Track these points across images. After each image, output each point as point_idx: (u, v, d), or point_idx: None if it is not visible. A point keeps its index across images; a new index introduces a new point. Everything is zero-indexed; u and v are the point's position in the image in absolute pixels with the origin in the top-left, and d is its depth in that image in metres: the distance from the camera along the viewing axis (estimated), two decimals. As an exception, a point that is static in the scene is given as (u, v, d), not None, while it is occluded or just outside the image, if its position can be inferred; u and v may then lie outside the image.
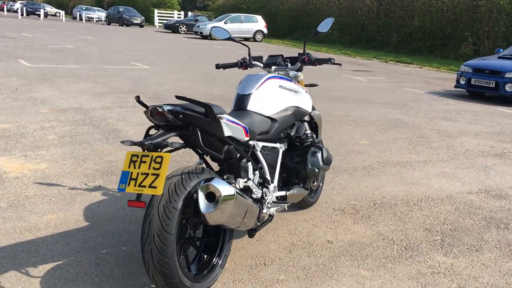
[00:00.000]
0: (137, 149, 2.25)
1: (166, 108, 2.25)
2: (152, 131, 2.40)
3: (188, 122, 2.29)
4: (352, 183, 4.43)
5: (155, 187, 2.13)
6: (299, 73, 3.33)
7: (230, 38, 3.36)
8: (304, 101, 3.21)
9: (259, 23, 28.63)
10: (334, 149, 5.49)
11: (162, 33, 31.10)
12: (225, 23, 27.46)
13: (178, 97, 2.31)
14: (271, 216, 2.97)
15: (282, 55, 3.37)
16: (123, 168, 2.23)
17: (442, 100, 9.97)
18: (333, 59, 3.22)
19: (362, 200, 4.03)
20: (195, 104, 2.30)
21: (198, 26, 28.03)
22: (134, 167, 2.20)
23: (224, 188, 2.28)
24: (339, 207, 3.85)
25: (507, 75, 9.74)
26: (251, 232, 2.80)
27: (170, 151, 2.33)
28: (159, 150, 2.21)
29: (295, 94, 3.11)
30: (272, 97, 2.96)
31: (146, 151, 2.22)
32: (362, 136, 6.33)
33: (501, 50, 11.47)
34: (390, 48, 23.69)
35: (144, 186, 2.15)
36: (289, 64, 3.33)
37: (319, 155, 3.08)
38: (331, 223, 3.52)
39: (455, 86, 10.88)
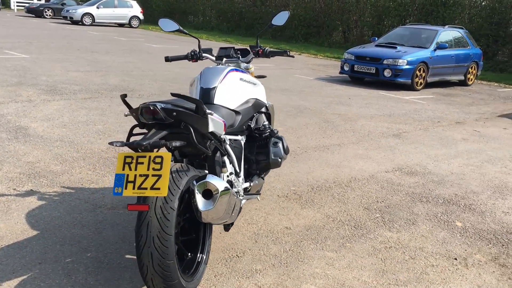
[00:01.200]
0: (125, 150, 2.15)
1: (159, 106, 2.17)
2: (136, 130, 2.30)
3: (179, 120, 2.24)
4: (284, 169, 4.61)
5: (158, 189, 2.05)
6: (250, 65, 3.38)
7: (179, 30, 3.29)
8: (262, 92, 3.27)
9: (134, 9, 27.59)
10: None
11: (24, 17, 28.51)
12: (97, 7, 26.03)
13: (173, 94, 2.24)
14: (241, 208, 3.01)
15: (233, 47, 3.39)
16: (117, 170, 2.12)
17: (331, 86, 10.64)
18: (288, 51, 3.32)
19: (300, 185, 4.23)
20: (188, 100, 2.25)
21: (68, 11, 26.18)
22: (130, 169, 2.10)
23: (220, 184, 2.27)
24: (282, 193, 4.00)
25: (385, 61, 10.70)
26: (228, 226, 2.81)
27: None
28: (156, 150, 2.13)
29: (254, 86, 3.16)
30: (235, 90, 2.97)
31: (139, 151, 2.13)
32: (275, 122, 6.55)
33: (376, 38, 12.52)
34: (268, 36, 24.45)
35: (145, 188, 2.06)
36: (240, 57, 3.35)
37: (280, 145, 3.18)
38: (282, 210, 3.66)
39: (340, 72, 11.66)
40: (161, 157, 2.10)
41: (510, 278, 2.92)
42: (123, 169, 2.11)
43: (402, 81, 10.72)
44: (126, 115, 2.41)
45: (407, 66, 10.64)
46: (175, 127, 2.27)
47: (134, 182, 2.08)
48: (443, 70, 11.64)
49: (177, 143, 2.19)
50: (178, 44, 18.50)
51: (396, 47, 11.26)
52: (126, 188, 2.09)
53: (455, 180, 4.71)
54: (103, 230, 3.09)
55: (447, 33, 11.99)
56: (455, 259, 3.10)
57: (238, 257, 2.90)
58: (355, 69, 11.17)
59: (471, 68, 12.61)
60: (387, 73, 10.70)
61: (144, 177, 2.08)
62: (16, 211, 3.24)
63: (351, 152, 5.43)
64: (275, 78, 10.81)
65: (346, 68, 11.40)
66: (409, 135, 6.52)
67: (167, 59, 3.35)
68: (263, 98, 3.28)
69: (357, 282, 2.73)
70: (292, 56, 3.53)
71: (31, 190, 3.61)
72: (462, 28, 12.86)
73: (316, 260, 2.94)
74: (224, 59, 3.30)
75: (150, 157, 2.11)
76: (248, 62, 3.38)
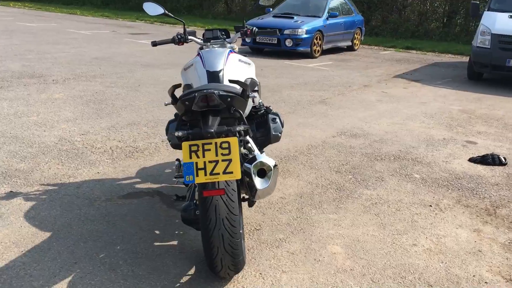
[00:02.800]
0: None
1: (217, 92, 2.23)
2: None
3: (231, 105, 2.32)
4: (245, 143, 4.78)
5: (231, 172, 2.15)
6: (235, 46, 3.46)
7: (164, 14, 3.26)
8: (254, 71, 3.38)
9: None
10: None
11: None
12: None
13: (231, 81, 2.30)
14: None
15: (219, 29, 3.44)
16: (184, 159, 2.16)
17: (237, 58, 10.81)
18: (277, 30, 3.45)
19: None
20: (242, 86, 2.33)
21: None
22: (198, 157, 2.16)
23: (271, 162, 2.41)
24: (258, 166, 4.19)
25: (286, 32, 11.14)
26: (252, 203, 2.96)
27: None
28: (223, 135, 2.21)
29: (249, 66, 3.27)
30: (237, 71, 3.07)
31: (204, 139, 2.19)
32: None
33: (270, 9, 12.90)
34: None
35: (218, 173, 2.14)
36: (226, 38, 3.42)
37: (278, 120, 3.35)
38: (267, 182, 3.85)
39: (242, 44, 11.88)
40: (228, 142, 2.18)
41: (477, 215, 3.47)
42: (191, 158, 2.16)
43: (302, 50, 11.29)
44: (166, 105, 2.42)
45: (306, 35, 11.21)
46: (224, 112, 2.34)
47: (204, 168, 2.15)
48: (335, 37, 12.45)
49: (241, 127, 2.28)
50: (54, 21, 17.22)
51: (293, 17, 11.76)
52: (197, 176, 2.15)
53: (392, 138, 5.27)
54: (115, 222, 3.04)
55: (335, 2, 12.77)
56: (430, 206, 3.59)
57: (257, 230, 3.07)
58: (257, 40, 11.46)
59: (357, 34, 13.64)
60: (288, 42, 11.16)
61: (214, 163, 2.15)
62: (11, 215, 3.04)
63: (293, 121, 5.75)
64: (182, 54, 10.71)
65: (248, 40, 11.64)
66: (332, 100, 7.03)
67: (154, 44, 3.32)
68: (255, 76, 3.41)
69: (368, 236, 3.07)
70: (279, 36, 3.66)
71: (11, 191, 3.37)
72: (346, -4, 13.76)
73: (325, 223, 3.22)
74: (212, 40, 3.35)
75: (216, 143, 2.18)
76: (232, 43, 3.46)
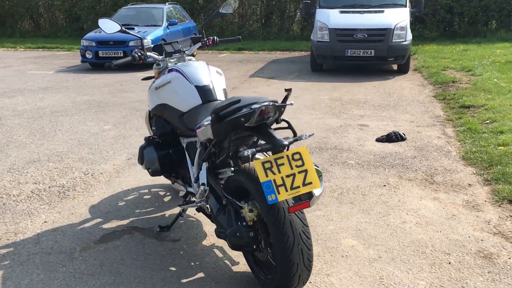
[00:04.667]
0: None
1: (272, 104, 2.14)
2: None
3: (281, 115, 2.24)
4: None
5: (310, 183, 2.07)
6: (193, 59, 3.27)
7: (121, 31, 2.96)
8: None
9: None
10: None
11: None
12: None
13: (287, 90, 2.19)
14: None
15: (177, 41, 3.22)
16: (261, 179, 2.02)
17: (86, 77, 10.01)
18: (239, 37, 3.35)
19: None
20: (287, 97, 2.25)
21: None
22: (273, 173, 2.04)
23: (318, 167, 2.38)
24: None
25: (131, 43, 10.73)
26: None
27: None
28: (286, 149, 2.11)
29: (221, 76, 3.13)
30: (219, 83, 2.94)
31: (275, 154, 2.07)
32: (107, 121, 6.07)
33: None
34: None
35: (298, 187, 2.05)
36: (186, 51, 3.23)
37: None
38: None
39: (82, 61, 11.06)
40: (299, 153, 2.09)
41: (424, 186, 3.89)
42: (267, 176, 2.03)
43: (151, 60, 10.96)
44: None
45: (152, 45, 10.91)
46: (271, 124, 2.25)
47: (284, 184, 2.03)
48: (177, 45, 12.39)
49: (306, 135, 2.19)
50: None
51: (134, 28, 11.34)
52: (279, 193, 2.03)
53: (298, 132, 5.52)
54: (119, 269, 2.65)
55: (170, 9, 12.72)
56: (384, 185, 3.90)
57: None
58: (100, 55, 10.80)
59: (193, 39, 13.77)
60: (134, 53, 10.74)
61: (292, 177, 2.05)
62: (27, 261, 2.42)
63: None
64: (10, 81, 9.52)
65: (89, 56, 10.89)
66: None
67: (114, 66, 2.98)
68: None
69: (364, 224, 3.22)
70: (240, 40, 3.53)
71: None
72: (177, 4, 13.80)
73: (317, 220, 3.27)
74: (175, 54, 3.14)
75: (287, 156, 2.08)
76: (191, 55, 3.28)
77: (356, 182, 3.96)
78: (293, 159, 2.09)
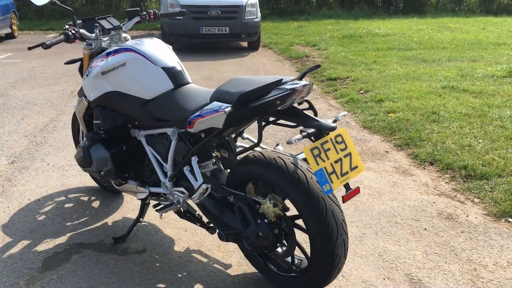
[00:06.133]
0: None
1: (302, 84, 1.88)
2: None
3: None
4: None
5: (356, 167, 1.89)
6: (128, 36, 2.74)
7: (51, 2, 2.33)
8: None
9: None
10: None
11: None
12: None
13: (314, 67, 1.91)
14: None
15: (112, 15, 2.65)
16: (313, 168, 1.79)
17: None
18: (184, 10, 2.88)
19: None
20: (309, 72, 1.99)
21: None
22: (323, 160, 1.82)
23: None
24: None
25: None
26: None
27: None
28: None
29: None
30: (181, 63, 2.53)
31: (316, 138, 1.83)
32: None
33: None
34: None
35: (347, 173, 1.87)
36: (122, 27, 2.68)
37: None
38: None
39: None
40: (341, 135, 1.88)
41: (404, 175, 3.82)
42: (318, 164, 1.79)
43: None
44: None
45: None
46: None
47: (334, 172, 1.82)
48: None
49: (343, 114, 1.96)
50: None
51: None
52: (332, 182, 1.81)
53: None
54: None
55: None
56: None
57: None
58: None
59: (13, 19, 12.05)
60: None
61: (339, 162, 1.84)
62: None
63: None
64: None
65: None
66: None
67: (45, 47, 2.33)
68: None
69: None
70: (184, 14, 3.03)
71: None
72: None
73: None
74: (112, 32, 2.59)
75: (331, 139, 1.86)
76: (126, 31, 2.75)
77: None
78: (336, 142, 1.87)
